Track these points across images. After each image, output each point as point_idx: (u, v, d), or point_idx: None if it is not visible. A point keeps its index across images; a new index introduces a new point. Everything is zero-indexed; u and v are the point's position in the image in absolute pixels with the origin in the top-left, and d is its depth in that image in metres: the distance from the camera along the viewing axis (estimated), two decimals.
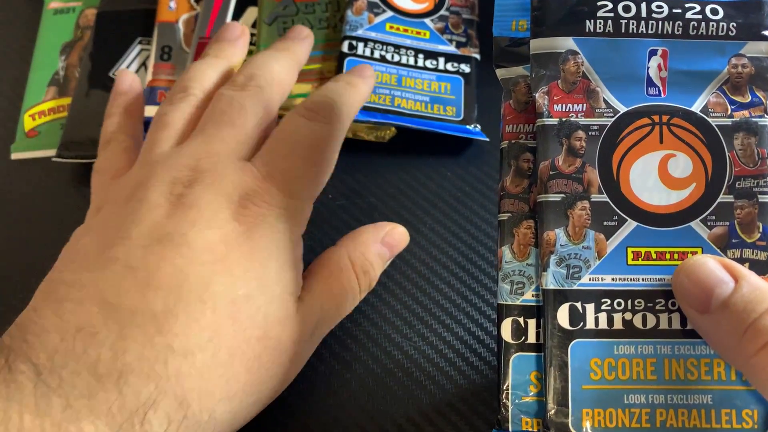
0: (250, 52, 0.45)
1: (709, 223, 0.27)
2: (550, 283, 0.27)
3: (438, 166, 0.42)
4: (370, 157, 0.43)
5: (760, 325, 0.23)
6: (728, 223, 0.27)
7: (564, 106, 0.28)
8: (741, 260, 0.26)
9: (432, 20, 0.46)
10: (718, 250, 0.26)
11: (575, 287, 0.27)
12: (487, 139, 0.42)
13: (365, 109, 0.41)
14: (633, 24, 0.28)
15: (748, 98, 0.27)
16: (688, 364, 0.26)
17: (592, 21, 0.28)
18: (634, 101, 0.28)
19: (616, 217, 0.27)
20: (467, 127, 0.42)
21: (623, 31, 0.28)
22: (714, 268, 0.25)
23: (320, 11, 0.47)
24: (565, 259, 0.27)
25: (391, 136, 0.43)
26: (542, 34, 0.28)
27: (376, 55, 0.44)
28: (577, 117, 0.28)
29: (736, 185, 0.27)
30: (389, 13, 0.46)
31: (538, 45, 0.28)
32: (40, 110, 0.45)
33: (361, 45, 0.44)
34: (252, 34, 0.46)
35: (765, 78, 0.27)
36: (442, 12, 0.47)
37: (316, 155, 0.33)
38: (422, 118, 0.42)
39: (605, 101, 0.28)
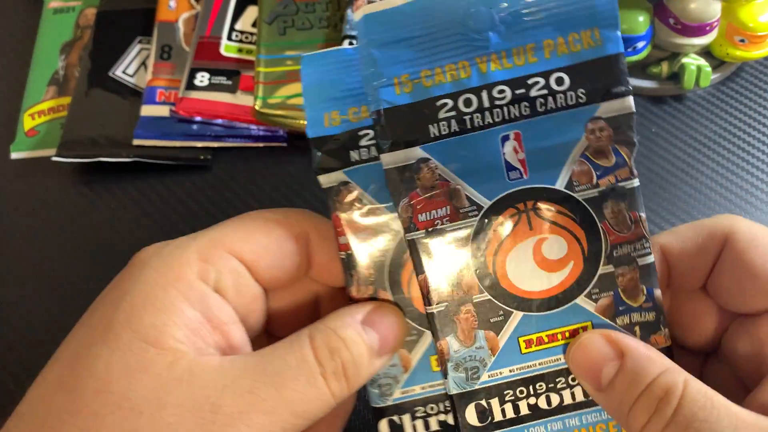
0: (249, 52, 0.45)
1: (593, 297, 0.27)
2: (452, 388, 0.27)
3: None
4: None
5: (642, 404, 0.24)
6: (612, 293, 0.27)
7: (428, 214, 0.27)
8: (631, 325, 0.27)
9: None
10: (608, 320, 0.27)
11: (477, 386, 0.27)
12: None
13: None
14: (477, 117, 0.26)
15: (612, 160, 0.26)
16: (597, 429, 0.28)
17: (436, 124, 0.26)
18: (498, 190, 0.27)
19: (501, 312, 0.27)
20: None
21: (469, 126, 0.26)
22: (600, 346, 0.26)
23: (320, 10, 0.47)
24: (461, 363, 0.27)
25: None
26: (390, 148, 0.26)
27: None
28: (443, 223, 0.27)
29: (614, 254, 0.27)
30: None
31: (388, 160, 0.27)
32: (40, 110, 0.45)
33: None
34: (252, 34, 0.46)
35: (625, 135, 0.26)
36: None
37: None
38: None
39: (468, 198, 0.27)
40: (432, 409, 0.28)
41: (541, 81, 0.26)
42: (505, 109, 0.26)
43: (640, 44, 0.42)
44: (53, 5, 0.50)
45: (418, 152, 0.26)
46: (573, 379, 0.27)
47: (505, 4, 0.26)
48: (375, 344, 0.26)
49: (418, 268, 0.27)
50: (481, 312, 0.27)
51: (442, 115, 0.26)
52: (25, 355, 0.38)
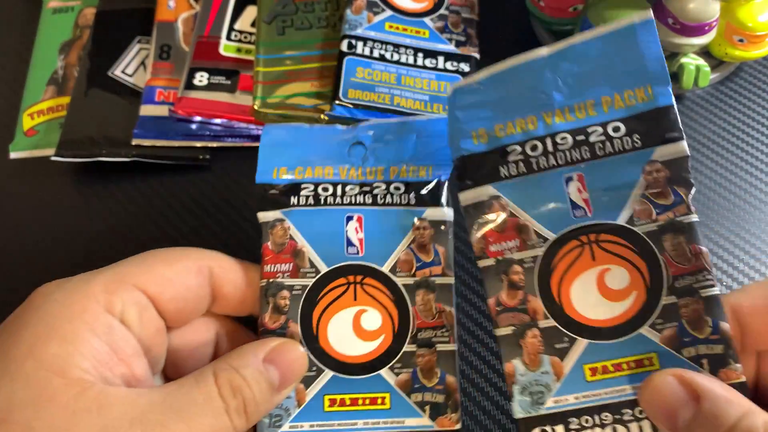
0: (249, 52, 0.45)
1: (658, 327, 0.27)
2: (518, 412, 0.28)
3: None
4: None
5: None
6: (677, 324, 0.27)
7: (498, 245, 0.30)
8: (698, 357, 0.26)
9: (431, 19, 0.46)
10: (673, 351, 0.27)
11: (542, 412, 0.28)
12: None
13: (365, 108, 0.41)
14: (543, 159, 0.30)
15: (671, 199, 0.28)
16: None
17: (506, 166, 0.30)
18: (563, 225, 0.29)
19: (566, 339, 0.28)
20: None
21: (535, 168, 0.30)
22: (674, 389, 0.25)
23: (319, 10, 0.47)
24: (527, 387, 0.28)
25: None
26: (466, 186, 0.30)
27: (376, 54, 0.43)
28: (511, 253, 0.29)
29: (676, 285, 0.27)
30: (389, 12, 0.45)
31: (465, 198, 0.30)
32: (39, 109, 0.45)
33: (360, 44, 0.44)
34: (251, 33, 0.46)
35: (681, 176, 0.28)
36: (442, 11, 0.46)
37: None
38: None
39: (536, 233, 0.29)
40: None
41: (600, 129, 0.29)
42: (568, 152, 0.30)
43: None
44: (52, 5, 0.50)
45: (490, 190, 0.30)
46: (640, 412, 0.27)
47: (568, 69, 0.30)
48: (275, 381, 0.27)
49: (487, 292, 0.29)
50: (546, 337, 0.28)
51: (511, 158, 0.30)
52: None
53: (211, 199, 0.42)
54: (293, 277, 0.31)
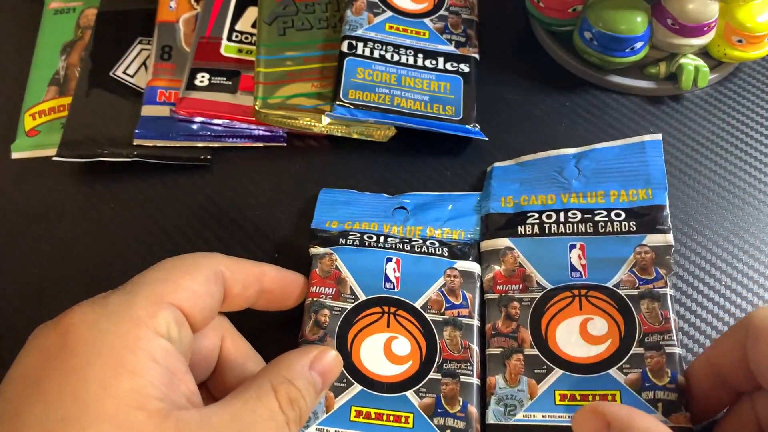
0: (250, 52, 0.46)
1: (624, 371, 0.32)
2: (491, 418, 0.33)
3: (437, 166, 0.43)
4: (369, 157, 0.43)
5: None
6: (641, 370, 0.32)
7: (504, 285, 0.36)
8: (654, 401, 0.31)
9: (431, 20, 0.46)
10: (634, 392, 0.32)
11: (511, 422, 0.32)
12: (486, 139, 0.42)
13: (365, 109, 0.41)
14: (554, 227, 0.37)
15: (653, 275, 0.34)
16: None
17: (523, 226, 0.37)
18: (561, 281, 0.35)
19: (545, 367, 0.33)
20: (467, 126, 0.42)
21: (547, 232, 0.37)
22: (590, 419, 0.28)
23: (320, 11, 0.47)
24: (503, 399, 0.33)
25: (391, 135, 0.43)
26: (487, 236, 0.38)
27: (376, 54, 0.44)
28: (513, 293, 0.36)
29: (646, 340, 0.33)
30: (389, 13, 0.46)
31: (486, 244, 0.38)
32: (41, 109, 0.45)
33: (360, 45, 0.44)
34: (252, 34, 0.46)
35: (664, 260, 0.35)
36: (442, 12, 0.47)
37: None
38: (422, 117, 0.42)
39: (537, 283, 0.36)
40: None
41: (605, 212, 0.37)
42: (576, 225, 0.37)
43: (638, 44, 0.43)
44: (54, 6, 0.50)
45: (506, 242, 0.37)
46: None
47: (587, 165, 0.39)
48: (319, 386, 0.29)
49: (488, 319, 0.35)
50: (528, 362, 0.34)
51: (528, 221, 0.37)
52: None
53: (212, 199, 0.43)
54: (335, 300, 0.35)
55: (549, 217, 0.37)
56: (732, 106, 0.45)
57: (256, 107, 0.43)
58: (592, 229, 0.36)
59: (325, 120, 0.42)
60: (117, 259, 0.41)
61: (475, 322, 0.35)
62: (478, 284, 0.36)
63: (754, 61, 0.46)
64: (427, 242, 0.37)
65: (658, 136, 0.39)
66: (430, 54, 0.44)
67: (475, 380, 0.33)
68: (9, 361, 0.38)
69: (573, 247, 0.36)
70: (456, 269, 0.36)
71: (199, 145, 0.43)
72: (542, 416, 0.32)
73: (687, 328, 0.37)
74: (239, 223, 0.42)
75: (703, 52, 0.45)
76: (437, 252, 0.37)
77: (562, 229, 0.36)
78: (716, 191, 0.41)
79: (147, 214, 0.42)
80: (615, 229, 0.36)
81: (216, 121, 0.43)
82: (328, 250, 0.37)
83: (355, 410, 0.33)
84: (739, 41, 0.43)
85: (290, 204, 0.42)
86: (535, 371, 0.33)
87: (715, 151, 0.43)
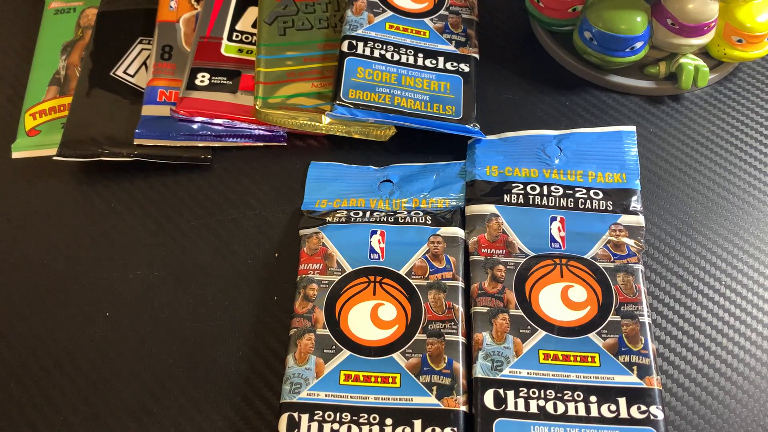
0: (250, 52, 0.46)
1: (603, 335, 0.35)
2: (478, 372, 0.34)
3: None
4: (369, 157, 0.43)
5: None
6: (618, 336, 0.35)
7: (488, 249, 0.38)
8: (630, 363, 0.34)
9: (432, 20, 0.46)
10: (612, 356, 0.34)
11: (498, 377, 0.34)
12: (486, 138, 0.42)
13: (366, 108, 0.41)
14: (538, 198, 0.39)
15: (625, 252, 0.37)
16: None
17: (508, 195, 0.39)
18: (541, 250, 0.38)
19: (529, 327, 0.35)
20: (467, 126, 0.42)
21: (531, 203, 0.39)
22: None
23: (320, 11, 0.47)
24: (490, 355, 0.34)
25: (391, 135, 0.43)
26: (473, 202, 0.40)
27: (376, 54, 0.44)
28: (498, 256, 0.37)
29: (622, 309, 0.36)
30: (389, 13, 0.46)
31: (470, 209, 0.39)
32: (41, 109, 0.45)
33: (360, 44, 0.44)
34: (252, 34, 0.47)
35: (636, 238, 0.38)
36: (442, 12, 0.47)
37: None
38: (422, 117, 0.42)
39: (519, 249, 0.38)
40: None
41: (584, 190, 0.39)
42: (557, 199, 0.39)
43: (638, 44, 0.43)
44: (54, 5, 0.50)
45: (492, 208, 0.39)
46: (578, 395, 0.33)
47: (568, 146, 0.41)
48: None
49: (472, 280, 0.37)
50: (513, 322, 0.35)
51: (514, 191, 0.40)
52: (25, 354, 0.38)
53: (213, 198, 0.43)
54: (322, 274, 0.37)
55: (533, 189, 0.39)
56: (732, 106, 0.45)
57: (257, 107, 0.43)
58: (572, 204, 0.39)
59: (326, 119, 0.42)
60: (117, 258, 0.41)
61: (460, 284, 0.37)
62: (462, 248, 0.38)
63: (753, 61, 0.46)
64: (412, 213, 0.39)
65: (633, 128, 0.42)
66: (430, 54, 0.44)
67: (460, 338, 0.35)
68: (9, 360, 0.38)
69: (554, 219, 0.38)
70: (439, 236, 0.38)
71: (200, 144, 0.43)
72: (527, 373, 0.34)
73: (687, 327, 0.37)
74: (239, 223, 0.42)
75: (703, 52, 0.45)
76: (421, 221, 0.39)
77: (545, 201, 0.39)
78: (716, 191, 0.41)
79: (147, 214, 0.42)
80: (593, 207, 0.39)
81: (216, 120, 0.43)
82: (315, 229, 0.39)
83: (344, 374, 0.34)
84: (739, 41, 0.43)
85: (290, 204, 0.42)
86: (520, 331, 0.35)
87: (715, 151, 0.43)
